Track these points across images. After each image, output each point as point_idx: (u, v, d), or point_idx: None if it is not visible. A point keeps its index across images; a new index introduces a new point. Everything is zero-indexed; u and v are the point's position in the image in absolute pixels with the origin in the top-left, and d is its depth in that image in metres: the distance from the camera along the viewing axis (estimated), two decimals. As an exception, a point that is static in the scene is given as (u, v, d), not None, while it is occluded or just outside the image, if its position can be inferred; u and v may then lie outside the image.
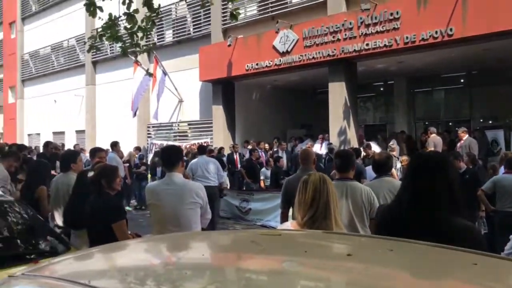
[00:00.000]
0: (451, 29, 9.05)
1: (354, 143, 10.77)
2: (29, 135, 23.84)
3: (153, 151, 13.65)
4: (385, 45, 9.97)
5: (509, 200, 5.76)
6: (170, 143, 13.92)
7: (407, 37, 9.62)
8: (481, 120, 13.69)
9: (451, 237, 1.74)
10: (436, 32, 9.22)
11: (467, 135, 9.64)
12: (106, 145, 11.76)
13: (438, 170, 2.06)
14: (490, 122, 13.31)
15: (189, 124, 15.76)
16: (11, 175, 5.59)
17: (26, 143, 19.14)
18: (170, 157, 3.75)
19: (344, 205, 3.43)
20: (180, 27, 15.89)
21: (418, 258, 1.38)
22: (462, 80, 14.00)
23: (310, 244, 1.59)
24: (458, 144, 9.64)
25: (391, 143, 8.76)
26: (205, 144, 13.42)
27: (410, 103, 14.48)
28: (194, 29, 15.39)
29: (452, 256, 1.41)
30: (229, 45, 12.77)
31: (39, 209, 4.72)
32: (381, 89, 15.58)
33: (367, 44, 10.22)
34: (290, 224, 2.61)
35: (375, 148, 9.78)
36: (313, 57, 11.18)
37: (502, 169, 6.46)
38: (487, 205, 6.06)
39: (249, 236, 1.78)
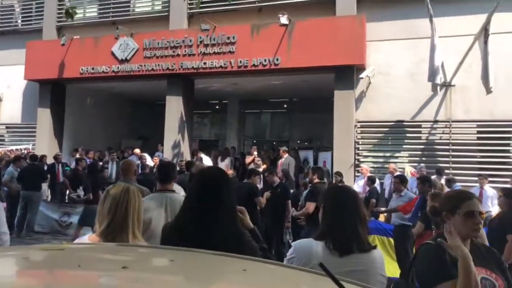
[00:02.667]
0: (277, 59, 10.07)
1: (187, 157, 11.11)
2: None
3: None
4: (221, 66, 10.55)
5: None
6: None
7: (240, 61, 10.38)
8: (298, 142, 15.57)
9: (221, 245, 1.77)
10: (265, 60, 10.14)
11: (287, 154, 10.92)
12: None
13: (210, 185, 2.20)
14: (306, 143, 15.24)
15: (7, 127, 14.02)
16: None
17: None
18: None
19: (163, 216, 3.49)
20: (5, 16, 14.21)
21: (196, 266, 1.42)
22: (285, 106, 15.74)
23: (88, 258, 1.49)
24: (279, 161, 10.83)
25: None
26: (26, 152, 12.18)
27: (241, 122, 15.61)
28: (22, 21, 13.95)
29: (227, 263, 1.48)
30: (63, 44, 11.88)
31: None
32: (217, 107, 16.44)
33: (205, 63, 10.70)
34: (87, 237, 2.49)
35: (207, 161, 10.31)
36: (152, 69, 11.22)
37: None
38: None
39: (24, 253, 1.60)
